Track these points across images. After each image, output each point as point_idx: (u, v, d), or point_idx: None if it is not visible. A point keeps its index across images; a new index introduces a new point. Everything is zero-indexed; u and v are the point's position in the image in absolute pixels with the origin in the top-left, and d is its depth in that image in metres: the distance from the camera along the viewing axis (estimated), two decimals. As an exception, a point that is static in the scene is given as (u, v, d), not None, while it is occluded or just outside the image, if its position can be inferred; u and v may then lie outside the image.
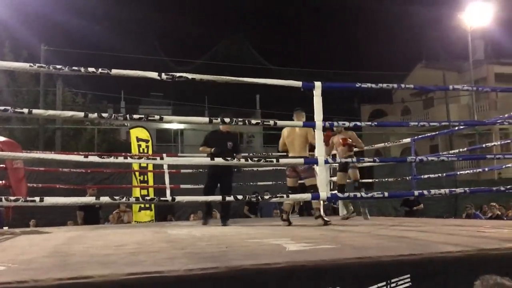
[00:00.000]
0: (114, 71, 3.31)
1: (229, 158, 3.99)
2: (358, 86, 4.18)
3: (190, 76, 3.57)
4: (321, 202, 4.84)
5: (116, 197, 3.38)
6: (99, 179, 11.34)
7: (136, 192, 9.30)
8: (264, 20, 49.94)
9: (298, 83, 4.06)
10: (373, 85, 4.14)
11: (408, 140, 7.38)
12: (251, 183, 9.36)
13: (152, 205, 9.43)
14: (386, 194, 4.24)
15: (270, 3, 50.80)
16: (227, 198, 3.92)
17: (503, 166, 6.51)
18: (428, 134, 7.45)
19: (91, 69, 3.26)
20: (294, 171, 5.51)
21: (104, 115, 3.42)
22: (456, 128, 6.22)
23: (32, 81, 15.19)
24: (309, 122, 4.16)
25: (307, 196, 4.07)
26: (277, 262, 2.33)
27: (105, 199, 3.44)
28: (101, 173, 11.14)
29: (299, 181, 5.60)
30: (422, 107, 28.79)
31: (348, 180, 6.54)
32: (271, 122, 3.93)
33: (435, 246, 2.88)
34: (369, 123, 4.18)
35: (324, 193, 3.97)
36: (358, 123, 4.41)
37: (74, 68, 3.23)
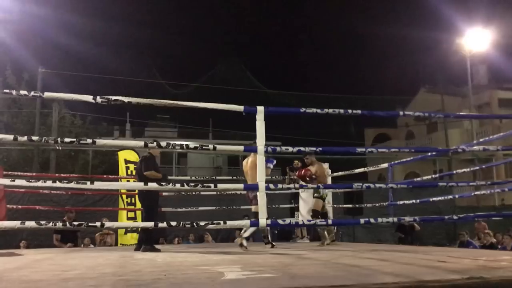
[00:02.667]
0: (47, 94, 3.31)
1: (163, 183, 3.95)
2: (303, 111, 4.13)
3: (126, 99, 3.55)
4: (251, 228, 4.93)
5: (43, 222, 3.33)
6: (92, 201, 11.33)
7: (123, 214, 9.25)
8: (263, 44, 50.36)
9: (240, 108, 4.02)
10: (318, 110, 4.08)
11: (385, 165, 7.32)
12: (243, 207, 9.30)
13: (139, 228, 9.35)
14: (329, 221, 4.13)
15: (269, 27, 51.30)
16: (160, 225, 3.89)
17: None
18: (404, 160, 7.35)
19: (23, 92, 3.27)
20: (250, 200, 5.68)
21: (34, 138, 3.40)
22: (430, 154, 6.11)
23: (33, 103, 15.34)
24: (250, 146, 4.11)
25: (245, 222, 3.98)
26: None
27: (31, 223, 3.39)
28: (94, 195, 11.17)
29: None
30: (425, 132, 28.60)
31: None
32: (210, 147, 3.89)
33: (375, 277, 2.80)
34: (313, 148, 4.05)
35: (263, 220, 3.88)
36: (302, 148, 4.32)
37: (6, 91, 3.24)
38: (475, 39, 19.47)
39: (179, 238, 9.15)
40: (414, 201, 6.69)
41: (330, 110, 4.12)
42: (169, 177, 8.49)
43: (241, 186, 4.45)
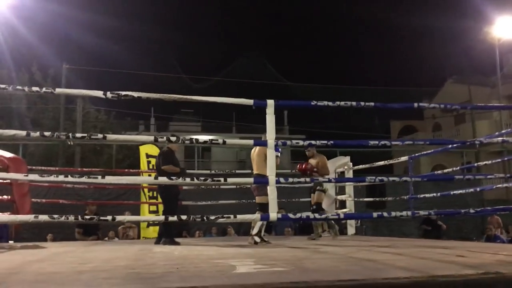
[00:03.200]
0: (58, 90, 3.35)
1: (174, 178, 3.96)
2: (314, 104, 4.07)
3: (136, 94, 3.57)
4: (259, 222, 4.87)
5: (55, 216, 3.39)
6: (115, 195, 11.51)
7: (145, 208, 9.37)
8: (284, 37, 49.92)
9: (250, 101, 3.98)
10: (330, 103, 4.01)
11: (405, 158, 7.19)
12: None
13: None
14: (341, 215, 4.06)
15: (291, 19, 50.79)
16: (170, 219, 3.90)
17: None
18: (424, 152, 7.20)
19: (35, 89, 3.33)
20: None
21: (46, 133, 3.45)
22: (450, 146, 5.96)
23: (58, 99, 15.65)
24: (260, 141, 4.08)
25: (256, 216, 3.96)
26: (206, 285, 2.30)
27: (44, 217, 3.45)
28: (118, 189, 11.35)
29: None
30: (453, 123, 28.02)
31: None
32: (220, 141, 3.87)
33: (387, 271, 2.75)
34: (325, 141, 3.96)
35: (274, 213, 3.85)
36: (312, 142, 4.27)
37: (18, 87, 3.30)
38: (504, 27, 18.84)
39: (200, 231, 9.22)
40: (434, 194, 6.55)
41: (342, 103, 4.06)
42: (189, 171, 8.57)
43: (251, 180, 4.42)
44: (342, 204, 8.65)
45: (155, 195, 9.59)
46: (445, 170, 7.37)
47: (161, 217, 4.28)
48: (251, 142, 4.20)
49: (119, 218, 3.80)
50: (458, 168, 6.94)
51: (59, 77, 14.52)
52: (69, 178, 3.69)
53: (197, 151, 20.88)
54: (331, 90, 19.68)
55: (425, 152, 7.17)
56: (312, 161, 6.55)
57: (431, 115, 29.47)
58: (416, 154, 7.42)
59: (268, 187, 3.84)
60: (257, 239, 5.12)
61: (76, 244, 6.90)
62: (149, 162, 9.55)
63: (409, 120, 31.07)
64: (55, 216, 3.47)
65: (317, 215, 4.10)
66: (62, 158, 13.47)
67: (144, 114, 27.60)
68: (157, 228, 9.69)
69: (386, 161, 7.36)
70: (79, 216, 3.45)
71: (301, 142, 4.12)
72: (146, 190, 9.36)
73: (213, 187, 9.44)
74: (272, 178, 3.83)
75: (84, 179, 3.63)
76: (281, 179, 4.06)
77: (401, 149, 17.71)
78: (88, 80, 14.88)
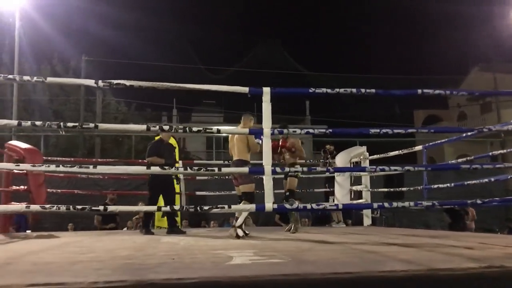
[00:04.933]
0: (49, 79, 3.35)
1: (166, 167, 3.93)
2: (312, 92, 3.95)
3: (128, 83, 3.52)
4: (243, 213, 4.73)
5: (47, 206, 3.39)
6: (135, 185, 11.61)
7: (160, 198, 9.39)
8: (303, 25, 49.14)
9: (245, 89, 3.90)
10: (329, 90, 3.89)
11: (420, 147, 7.00)
12: (277, 191, 9.21)
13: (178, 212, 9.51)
14: (340, 205, 3.96)
15: (309, 7, 49.93)
16: (163, 209, 3.89)
17: None
18: (438, 142, 6.98)
19: (26, 78, 3.32)
20: (235, 179, 5.35)
21: (37, 123, 3.45)
22: (464, 134, 5.75)
23: (79, 90, 15.86)
24: (257, 129, 4.00)
25: (250, 207, 3.88)
26: (194, 276, 2.26)
27: (35, 207, 3.46)
28: (137, 180, 11.44)
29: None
30: (479, 112, 27.34)
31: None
32: (214, 129, 3.80)
33: (386, 264, 2.66)
34: (323, 130, 3.85)
35: (269, 204, 3.76)
36: (311, 130, 4.17)
37: (9, 77, 3.30)
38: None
39: (215, 221, 9.24)
40: (448, 184, 6.36)
41: (342, 90, 3.93)
42: (207, 162, 8.49)
43: (246, 169, 4.34)
44: (359, 195, 8.52)
45: (171, 185, 9.63)
46: (459, 160, 7.14)
47: (154, 207, 4.27)
48: (246, 130, 4.12)
49: (111, 208, 3.81)
50: (472, 157, 6.71)
51: (80, 69, 14.71)
52: (60, 168, 3.70)
53: (215, 142, 20.91)
54: (350, 79, 19.40)
55: (439, 141, 6.95)
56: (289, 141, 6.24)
57: (456, 104, 28.83)
58: (430, 143, 7.22)
59: (264, 177, 3.76)
60: (239, 232, 4.86)
61: (89, 233, 6.98)
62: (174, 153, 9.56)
63: (433, 109, 30.46)
64: (47, 206, 3.48)
65: (313, 205, 3.96)
66: (83, 149, 13.65)
67: (167, 106, 27.72)
68: (174, 218, 9.80)
69: (400, 151, 7.17)
70: (71, 206, 3.44)
71: (298, 131, 4.02)
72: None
73: (228, 177, 9.40)
74: (268, 168, 3.75)
75: (75, 169, 3.63)
76: (277, 169, 3.99)
77: (426, 138, 17.38)
78: (107, 72, 15.02)
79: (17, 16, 13.62)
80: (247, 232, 5.02)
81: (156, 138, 6.91)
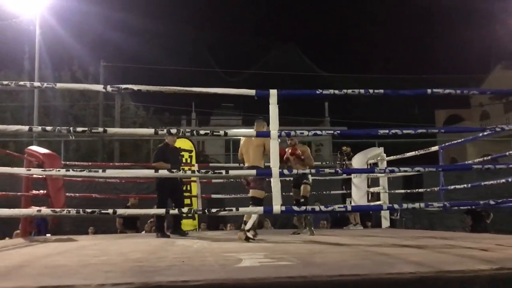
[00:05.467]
0: (59, 85, 3.41)
1: (174, 170, 3.95)
2: (319, 93, 3.91)
3: (135, 87, 3.56)
4: (252, 216, 4.71)
5: (57, 210, 3.45)
6: (153, 189, 11.72)
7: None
8: (320, 26, 48.80)
9: (252, 92, 3.90)
10: (336, 91, 3.86)
11: (436, 148, 6.89)
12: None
13: (196, 215, 9.57)
14: (349, 207, 3.91)
15: (325, 7, 49.56)
16: (171, 212, 3.91)
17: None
18: (454, 142, 6.86)
19: (36, 84, 3.39)
20: (248, 183, 5.30)
21: (48, 128, 3.51)
22: (480, 134, 5.63)
23: (98, 95, 16.10)
24: (263, 131, 3.99)
25: (258, 209, 3.85)
26: (199, 279, 2.28)
27: (47, 211, 3.52)
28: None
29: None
30: (502, 111, 26.81)
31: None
32: (221, 132, 3.80)
33: (395, 266, 2.63)
34: (331, 131, 3.81)
35: (277, 206, 3.74)
36: (318, 132, 4.13)
37: (20, 83, 3.37)
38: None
39: (232, 224, 9.26)
40: (464, 185, 6.25)
41: (349, 91, 3.90)
42: (223, 165, 8.49)
43: (253, 172, 4.32)
44: (377, 197, 8.44)
45: (188, 188, 9.69)
46: (476, 160, 7.01)
47: (162, 210, 4.30)
48: (253, 133, 4.12)
49: (120, 211, 3.85)
50: (488, 157, 6.56)
51: (98, 74, 14.94)
52: (70, 172, 3.78)
53: (232, 145, 20.97)
54: (368, 80, 19.26)
55: (455, 142, 6.85)
56: (299, 149, 6.27)
57: (478, 103, 28.35)
58: (447, 144, 7.11)
59: (272, 179, 3.75)
60: (249, 235, 4.85)
61: (107, 237, 7.05)
62: (182, 156, 9.63)
63: (454, 108, 30.00)
64: (57, 210, 3.55)
65: (322, 207, 3.94)
66: (103, 153, 13.85)
67: (186, 109, 27.96)
68: (190, 221, 9.84)
69: (416, 152, 7.08)
70: (80, 210, 3.50)
71: (305, 133, 3.99)
72: (179, 184, 9.44)
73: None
74: (275, 170, 3.74)
75: (84, 173, 3.70)
76: (285, 171, 3.97)
77: (447, 138, 17.11)
78: (125, 77, 15.25)
79: (37, 24, 13.91)
80: (255, 236, 5.02)
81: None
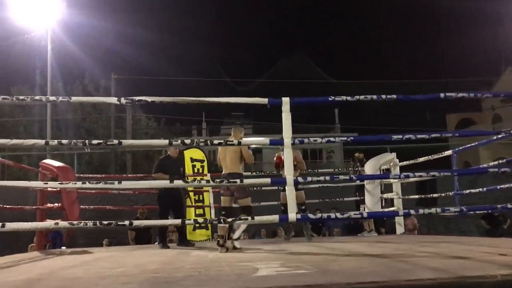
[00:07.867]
0: (74, 98, 3.45)
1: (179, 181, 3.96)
2: (332, 100, 3.91)
3: (149, 99, 3.59)
4: (241, 225, 4.76)
5: (78, 222, 3.47)
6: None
7: (191, 211, 9.46)
8: (330, 33, 48.80)
9: (264, 100, 3.91)
10: (349, 98, 3.86)
11: (449, 152, 6.83)
12: (312, 200, 9.08)
13: (209, 225, 9.57)
14: (365, 214, 3.88)
15: (334, 14, 49.61)
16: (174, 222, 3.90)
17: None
18: (467, 146, 6.81)
19: (52, 98, 3.43)
20: (228, 189, 5.21)
21: (64, 141, 3.54)
22: (495, 137, 5.58)
23: (109, 108, 16.23)
24: (277, 139, 3.99)
25: (274, 218, 3.84)
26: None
27: (64, 224, 3.54)
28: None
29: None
30: (515, 114, 26.58)
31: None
32: (235, 142, 3.81)
33: (413, 272, 2.60)
34: (344, 138, 3.79)
35: (293, 214, 3.72)
36: (331, 139, 4.11)
37: (35, 98, 3.41)
38: None
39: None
40: (480, 189, 6.19)
41: (362, 97, 3.90)
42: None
43: (268, 180, 4.31)
44: (391, 203, 8.37)
45: (201, 198, 9.71)
46: (491, 163, 6.94)
47: (177, 221, 4.30)
48: (267, 141, 4.11)
49: (136, 223, 3.86)
50: (503, 160, 6.46)
51: (110, 87, 15.09)
52: (87, 185, 3.81)
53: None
54: (379, 86, 19.19)
55: (469, 145, 6.79)
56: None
57: (489, 106, 28.11)
58: (460, 148, 7.04)
59: (286, 187, 3.75)
60: (237, 244, 4.85)
61: (121, 249, 7.08)
62: (194, 166, 9.65)
63: (466, 112, 29.79)
64: (75, 222, 3.57)
65: (338, 214, 3.92)
66: (115, 165, 13.93)
67: (196, 120, 28.12)
68: (203, 231, 9.84)
69: (429, 156, 7.03)
70: (88, 222, 3.53)
71: (319, 140, 3.99)
72: (192, 194, 9.45)
73: (261, 188, 9.35)
74: (289, 178, 3.74)
75: (100, 185, 3.73)
76: (300, 179, 3.96)
77: (460, 143, 16.96)
78: (137, 89, 15.36)
79: (48, 39, 14.11)
80: (240, 246, 5.00)
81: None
